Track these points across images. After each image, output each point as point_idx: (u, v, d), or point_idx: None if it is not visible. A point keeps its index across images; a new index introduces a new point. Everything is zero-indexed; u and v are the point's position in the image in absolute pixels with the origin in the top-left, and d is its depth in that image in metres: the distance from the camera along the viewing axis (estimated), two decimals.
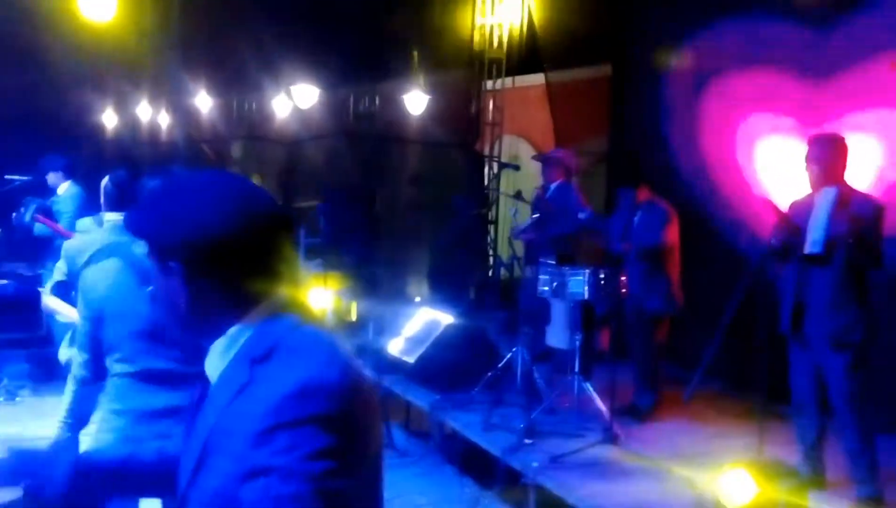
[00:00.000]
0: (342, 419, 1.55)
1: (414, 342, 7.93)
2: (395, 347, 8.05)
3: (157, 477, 1.97)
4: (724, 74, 7.78)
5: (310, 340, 1.67)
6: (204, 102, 15.19)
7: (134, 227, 1.74)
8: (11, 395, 7.73)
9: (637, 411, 6.78)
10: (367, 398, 1.64)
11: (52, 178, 8.37)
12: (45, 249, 8.03)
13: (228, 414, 1.62)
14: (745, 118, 7.57)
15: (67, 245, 4.38)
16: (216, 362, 1.74)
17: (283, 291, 1.73)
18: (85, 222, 5.04)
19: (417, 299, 10.05)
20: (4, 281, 8.54)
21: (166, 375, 3.21)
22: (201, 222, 1.65)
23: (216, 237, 1.65)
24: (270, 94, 13.47)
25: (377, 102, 12.27)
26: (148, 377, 3.22)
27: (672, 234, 6.65)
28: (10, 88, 12.79)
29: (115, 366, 3.28)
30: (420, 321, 8.11)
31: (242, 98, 15.11)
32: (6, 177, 8.18)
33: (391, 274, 10.79)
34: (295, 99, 12.71)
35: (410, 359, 7.74)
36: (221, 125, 15.30)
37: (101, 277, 3.27)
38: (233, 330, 1.71)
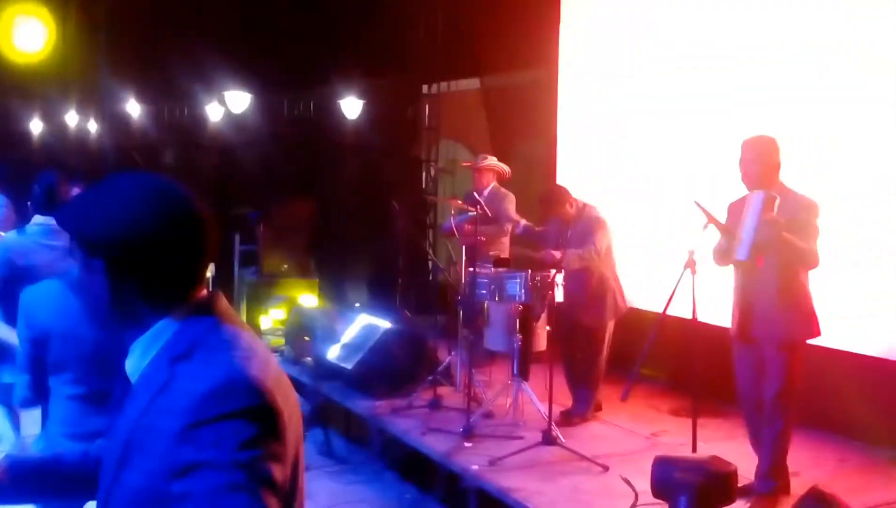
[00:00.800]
0: (263, 411, 1.59)
1: (352, 348, 7.91)
2: (333, 354, 8.01)
3: (81, 478, 2.00)
4: (651, 76, 7.91)
5: (229, 339, 1.70)
6: (134, 108, 14.97)
7: (62, 223, 1.78)
8: None
9: (574, 416, 6.84)
10: (286, 392, 1.69)
11: None
12: None
13: (150, 413, 1.63)
14: (674, 120, 7.70)
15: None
16: (136, 361, 1.76)
17: (204, 292, 1.78)
18: (10, 236, 4.91)
19: (357, 304, 10.01)
20: None
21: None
22: (123, 220, 1.69)
23: (137, 236, 1.68)
24: (203, 100, 13.32)
25: (312, 107, 12.18)
26: (99, 399, 3.16)
27: (605, 241, 6.72)
28: None
29: (63, 388, 3.23)
30: (358, 327, 8.08)
31: (174, 104, 14.91)
32: None
33: (329, 280, 10.71)
34: (228, 105, 12.58)
35: (348, 366, 7.71)
36: (153, 132, 15.08)
37: (44, 298, 3.22)
38: (153, 329, 1.74)
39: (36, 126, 17.69)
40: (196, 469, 1.52)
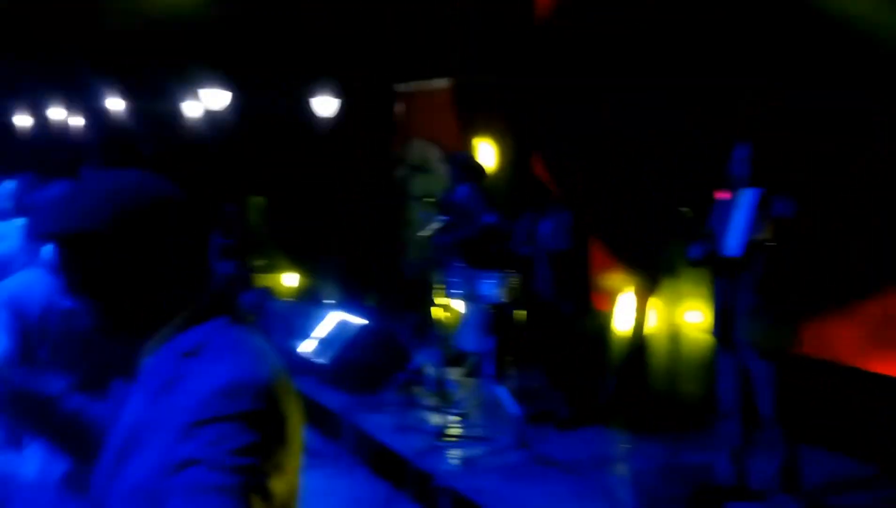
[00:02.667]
0: (268, 417, 1.49)
1: (325, 343, 7.58)
2: (306, 348, 7.65)
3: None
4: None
5: (238, 339, 1.61)
6: (116, 104, 14.51)
7: (53, 224, 1.61)
8: None
9: (555, 419, 6.42)
10: (292, 398, 1.58)
11: None
12: None
13: (155, 408, 1.55)
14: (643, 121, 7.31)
15: None
16: (147, 356, 1.65)
17: (210, 290, 1.68)
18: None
19: (327, 300, 9.71)
20: None
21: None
22: (123, 214, 1.58)
23: (139, 230, 1.58)
24: (182, 97, 12.91)
25: (288, 104, 11.80)
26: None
27: (578, 238, 6.35)
28: None
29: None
30: (331, 323, 7.75)
31: (154, 101, 14.49)
32: None
33: (303, 275, 10.38)
34: (205, 102, 12.18)
35: (323, 360, 7.37)
36: (133, 128, 14.67)
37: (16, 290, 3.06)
38: (165, 327, 1.63)
39: (21, 120, 17.19)
40: (190, 466, 1.43)
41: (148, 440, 1.53)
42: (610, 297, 6.61)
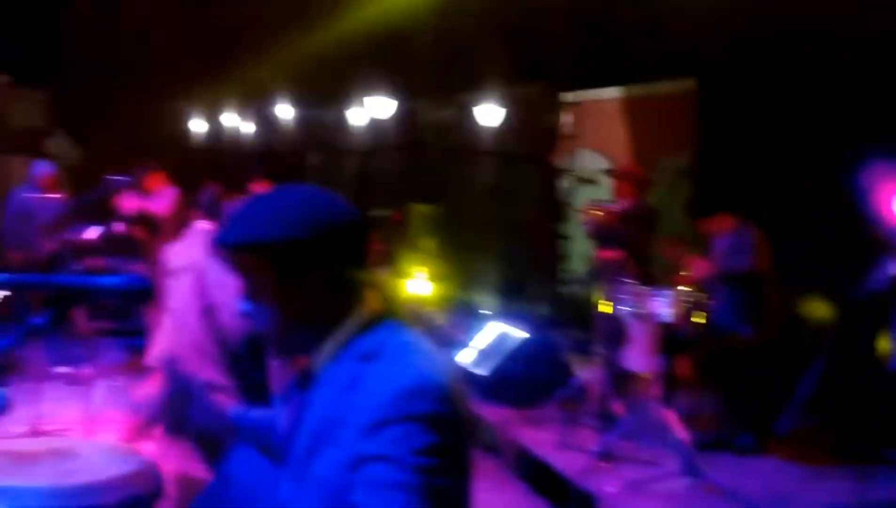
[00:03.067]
0: (447, 420, 1.57)
1: (485, 354, 7.50)
2: (465, 358, 7.62)
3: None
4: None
5: (414, 343, 1.70)
6: (285, 112, 14.97)
7: (242, 232, 1.72)
8: (109, 381, 7.49)
9: (730, 446, 6.12)
10: (465, 404, 1.67)
11: (147, 180, 8.52)
12: (140, 245, 8.26)
13: (338, 406, 1.64)
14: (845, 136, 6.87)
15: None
16: (325, 359, 1.75)
17: (382, 295, 1.77)
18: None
19: (486, 311, 9.67)
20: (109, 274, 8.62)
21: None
22: (307, 223, 1.69)
23: (323, 237, 1.69)
24: (347, 105, 13.19)
25: (451, 113, 11.87)
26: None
27: (762, 259, 6.04)
28: (110, 98, 12.94)
29: None
30: (491, 334, 7.68)
31: (321, 109, 14.89)
32: (107, 177, 8.35)
33: (459, 285, 10.38)
34: (369, 110, 12.41)
35: (482, 372, 7.31)
36: (301, 135, 15.09)
37: (176, 286, 3.33)
38: (341, 329, 1.72)
39: (197, 126, 17.99)
40: (374, 463, 1.53)
41: (333, 438, 1.63)
42: (795, 321, 6.27)
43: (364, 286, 1.75)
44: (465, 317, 8.82)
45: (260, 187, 8.44)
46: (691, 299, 5.76)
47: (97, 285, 1.84)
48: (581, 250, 8.39)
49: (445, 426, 1.56)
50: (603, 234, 7.02)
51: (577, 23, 9.06)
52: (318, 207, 1.73)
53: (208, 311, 3.13)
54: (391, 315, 1.75)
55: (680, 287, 5.85)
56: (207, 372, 3.16)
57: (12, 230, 9.24)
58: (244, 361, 2.99)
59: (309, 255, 1.69)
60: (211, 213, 4.61)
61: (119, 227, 8.40)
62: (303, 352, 1.78)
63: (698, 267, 6.07)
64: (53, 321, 1.68)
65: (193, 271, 3.25)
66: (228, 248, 1.75)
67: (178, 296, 3.21)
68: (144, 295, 1.84)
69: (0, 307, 1.74)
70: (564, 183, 9.59)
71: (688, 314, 5.77)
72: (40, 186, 9.03)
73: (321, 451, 1.66)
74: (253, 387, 3.07)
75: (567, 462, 5.80)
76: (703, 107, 8.18)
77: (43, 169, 9.29)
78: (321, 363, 1.75)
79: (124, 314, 8.00)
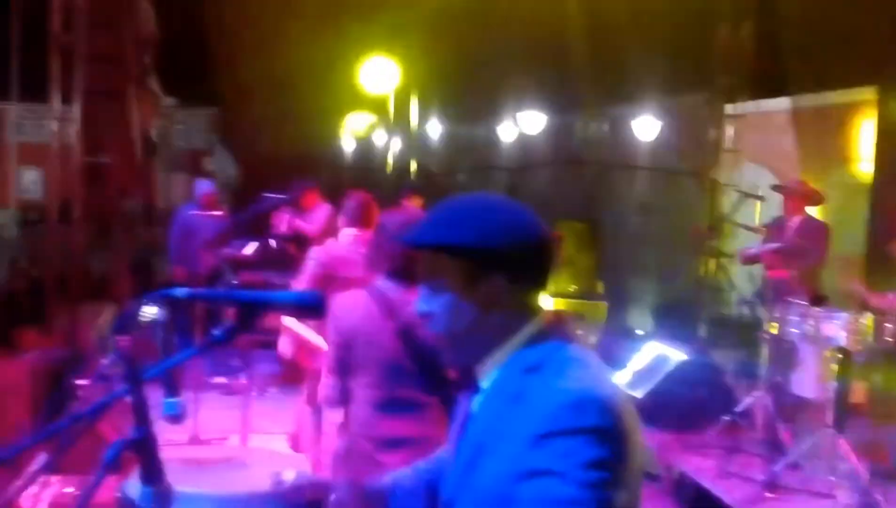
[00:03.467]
0: (614, 434, 1.55)
1: (642, 376, 7.33)
2: (620, 379, 7.48)
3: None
4: None
5: (579, 357, 1.69)
6: (434, 129, 15.17)
7: (441, 233, 1.76)
8: (263, 391, 8.08)
9: None
10: (632, 417, 1.63)
11: (303, 197, 8.80)
12: (293, 260, 8.42)
13: (503, 419, 1.64)
14: None
15: (319, 255, 4.87)
16: (491, 371, 1.76)
17: (547, 309, 1.78)
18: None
19: (640, 332, 9.46)
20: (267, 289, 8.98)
21: (409, 403, 3.21)
22: (505, 232, 1.72)
23: (522, 245, 1.73)
24: (496, 121, 13.22)
25: (605, 127, 11.72)
26: (391, 406, 3.23)
27: None
28: (266, 117, 13.48)
29: (361, 391, 3.26)
30: (648, 355, 7.50)
31: (469, 125, 15.00)
32: (264, 195, 8.55)
33: (613, 304, 10.20)
34: (521, 126, 12.39)
35: (638, 394, 7.13)
36: (449, 152, 15.24)
37: (350, 305, 3.29)
38: (511, 341, 1.74)
39: (347, 144, 18.49)
40: (542, 476, 1.52)
41: (497, 449, 1.63)
42: None
43: (539, 300, 1.76)
44: (620, 337, 8.65)
45: (413, 204, 8.58)
46: (872, 324, 5.44)
47: (275, 299, 1.88)
48: (746, 269, 8.07)
49: (614, 440, 1.54)
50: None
51: (740, 30, 8.79)
52: (514, 217, 1.75)
53: (403, 328, 3.15)
54: (559, 330, 1.74)
55: (860, 311, 5.55)
56: (405, 391, 3.20)
57: (176, 247, 9.76)
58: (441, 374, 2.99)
59: (500, 264, 1.71)
60: (358, 220, 4.82)
61: (274, 243, 8.70)
62: (473, 360, 1.79)
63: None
64: (233, 333, 1.72)
65: (373, 290, 3.28)
66: (422, 247, 1.80)
67: (363, 315, 3.25)
68: (318, 310, 1.85)
69: (167, 324, 1.77)
70: (727, 198, 9.31)
71: (863, 339, 5.46)
72: (202, 204, 9.45)
73: (484, 462, 1.66)
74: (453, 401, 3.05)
75: (730, 491, 5.62)
76: (883, 117, 7.75)
77: (204, 188, 9.77)
78: (487, 374, 1.76)
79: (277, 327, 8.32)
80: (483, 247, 1.71)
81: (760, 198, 7.51)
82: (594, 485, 1.49)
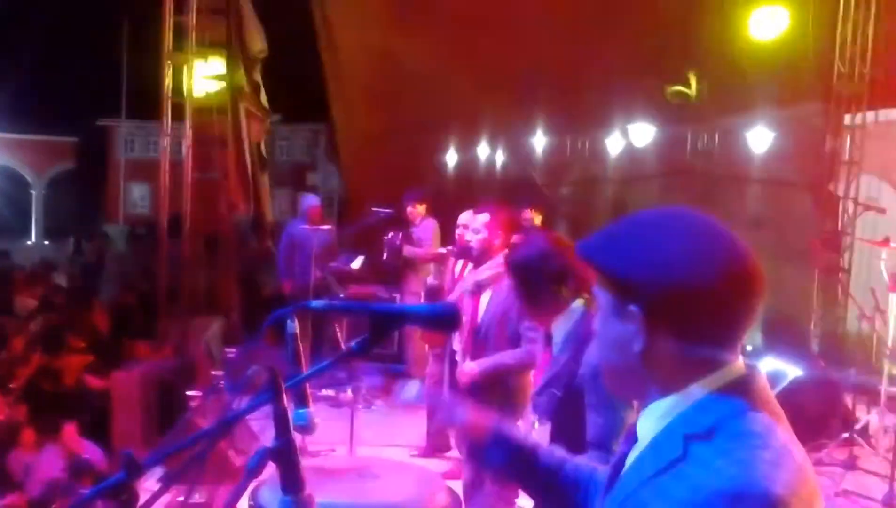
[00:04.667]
0: None
1: None
2: None
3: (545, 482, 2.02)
4: None
5: (760, 432, 1.41)
6: (539, 141, 15.25)
7: (601, 258, 1.55)
8: (368, 404, 8.31)
9: None
10: None
11: (411, 210, 8.99)
12: (400, 275, 8.95)
13: (650, 486, 1.44)
14: None
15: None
16: (651, 424, 1.52)
17: (739, 363, 1.49)
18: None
19: (749, 347, 9.37)
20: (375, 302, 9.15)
21: None
22: (678, 262, 1.45)
23: (695, 285, 1.43)
24: (604, 132, 13.24)
25: (716, 139, 11.64)
26: None
27: None
28: (374, 131, 13.77)
29: None
30: (763, 371, 7.44)
31: (576, 137, 15.02)
32: (373, 209, 8.79)
33: None
34: (631, 138, 12.40)
35: None
36: (554, 164, 15.27)
37: None
38: (675, 395, 1.48)
39: (451, 157, 18.65)
40: None
41: None
42: None
43: (726, 351, 1.47)
44: None
45: (529, 216, 8.67)
46: None
47: (409, 312, 1.94)
48: (863, 282, 7.98)
49: None
50: None
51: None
52: (705, 252, 1.46)
53: (514, 336, 3.25)
54: (744, 390, 1.45)
55: None
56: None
57: (285, 261, 10.13)
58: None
59: (648, 304, 1.46)
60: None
61: (382, 256, 8.93)
62: (632, 398, 1.68)
63: None
64: (368, 346, 1.75)
65: (497, 294, 3.37)
66: (591, 263, 1.57)
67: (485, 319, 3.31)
68: (452, 323, 1.85)
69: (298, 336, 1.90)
70: (844, 212, 9.22)
71: None
72: (309, 217, 9.71)
73: None
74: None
75: None
76: None
77: (310, 202, 10.08)
78: (646, 431, 1.54)
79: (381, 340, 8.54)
80: (658, 289, 1.46)
81: (882, 210, 7.44)
82: None
